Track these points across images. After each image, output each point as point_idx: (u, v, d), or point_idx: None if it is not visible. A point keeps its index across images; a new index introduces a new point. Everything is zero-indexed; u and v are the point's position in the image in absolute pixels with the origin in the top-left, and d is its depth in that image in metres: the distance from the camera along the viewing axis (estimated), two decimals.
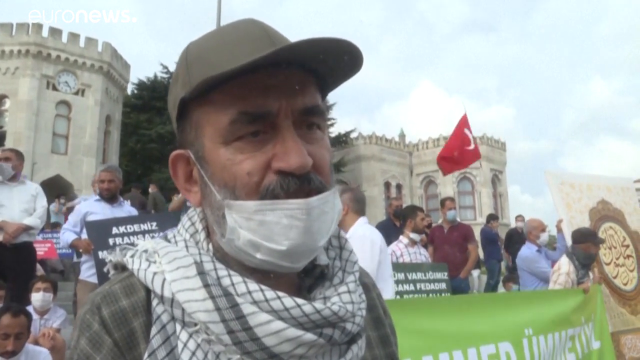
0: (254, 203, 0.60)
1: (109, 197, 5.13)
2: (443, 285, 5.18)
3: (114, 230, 4.62)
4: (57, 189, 17.92)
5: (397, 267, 4.80)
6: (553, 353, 3.59)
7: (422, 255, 5.55)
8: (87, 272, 4.81)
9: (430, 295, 5.02)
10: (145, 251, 0.67)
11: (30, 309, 4.57)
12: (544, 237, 5.80)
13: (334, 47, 0.60)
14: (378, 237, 3.70)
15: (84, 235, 4.84)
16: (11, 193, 5.26)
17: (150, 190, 11.76)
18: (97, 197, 5.24)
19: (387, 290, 3.57)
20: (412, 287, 4.87)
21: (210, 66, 0.62)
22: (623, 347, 5.02)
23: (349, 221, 3.77)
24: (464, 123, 10.42)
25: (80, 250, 4.87)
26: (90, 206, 5.16)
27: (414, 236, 5.51)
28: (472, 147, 10.51)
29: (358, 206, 3.87)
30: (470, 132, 10.39)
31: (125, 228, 4.66)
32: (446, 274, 5.33)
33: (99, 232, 4.61)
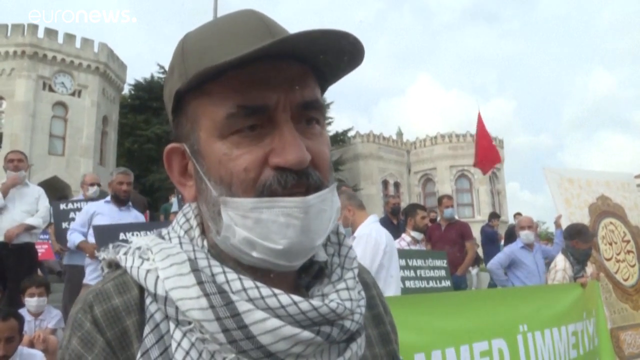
0: (250, 200, 0.59)
1: (126, 199, 5.16)
2: (442, 273, 5.20)
3: (121, 236, 4.60)
4: (55, 191, 17.87)
5: (399, 253, 4.83)
6: (554, 349, 3.57)
7: None
8: (91, 275, 4.79)
9: (431, 282, 5.04)
10: (139, 248, 0.66)
11: (24, 310, 4.55)
12: (523, 235, 5.78)
13: (335, 38, 0.58)
14: (384, 237, 3.64)
15: (90, 236, 4.83)
16: (14, 195, 5.31)
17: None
18: (108, 198, 5.25)
19: (390, 291, 3.53)
20: (413, 274, 4.88)
21: (207, 57, 0.61)
22: (623, 343, 5.02)
23: (359, 219, 3.75)
24: (481, 123, 10.67)
25: (87, 255, 4.87)
26: (98, 207, 5.15)
27: (415, 234, 5.55)
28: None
29: (357, 201, 3.86)
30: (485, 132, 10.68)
31: (132, 235, 4.65)
32: (445, 261, 5.35)
33: (107, 237, 4.57)
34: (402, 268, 4.68)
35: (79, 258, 5.33)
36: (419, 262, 4.99)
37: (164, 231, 0.70)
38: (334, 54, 0.61)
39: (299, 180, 0.60)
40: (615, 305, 5.16)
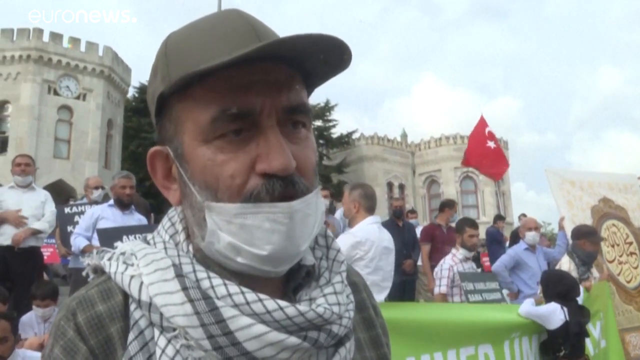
0: (235, 206, 0.58)
1: (129, 203, 5.17)
2: (498, 295, 4.85)
3: (125, 239, 4.59)
4: (60, 194, 17.94)
5: (468, 276, 4.65)
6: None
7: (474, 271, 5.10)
8: None
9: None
10: (123, 253, 0.65)
11: (32, 314, 4.56)
12: (529, 236, 5.73)
13: (323, 43, 0.57)
14: (376, 238, 3.55)
15: (95, 240, 4.82)
16: (21, 199, 5.34)
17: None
18: (111, 202, 5.25)
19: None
20: (480, 298, 4.61)
21: (190, 61, 0.59)
22: (628, 345, 5.00)
23: (359, 219, 3.68)
24: (482, 125, 10.45)
25: None
26: (102, 211, 5.16)
27: (464, 252, 5.03)
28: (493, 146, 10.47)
29: (369, 203, 3.75)
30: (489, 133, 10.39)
31: (136, 237, 4.65)
32: (497, 283, 4.98)
33: (111, 240, 4.58)
34: (471, 292, 4.46)
35: None
36: (481, 286, 4.66)
37: (149, 236, 0.69)
38: (321, 58, 0.60)
39: (286, 188, 0.58)
40: (619, 307, 5.13)
